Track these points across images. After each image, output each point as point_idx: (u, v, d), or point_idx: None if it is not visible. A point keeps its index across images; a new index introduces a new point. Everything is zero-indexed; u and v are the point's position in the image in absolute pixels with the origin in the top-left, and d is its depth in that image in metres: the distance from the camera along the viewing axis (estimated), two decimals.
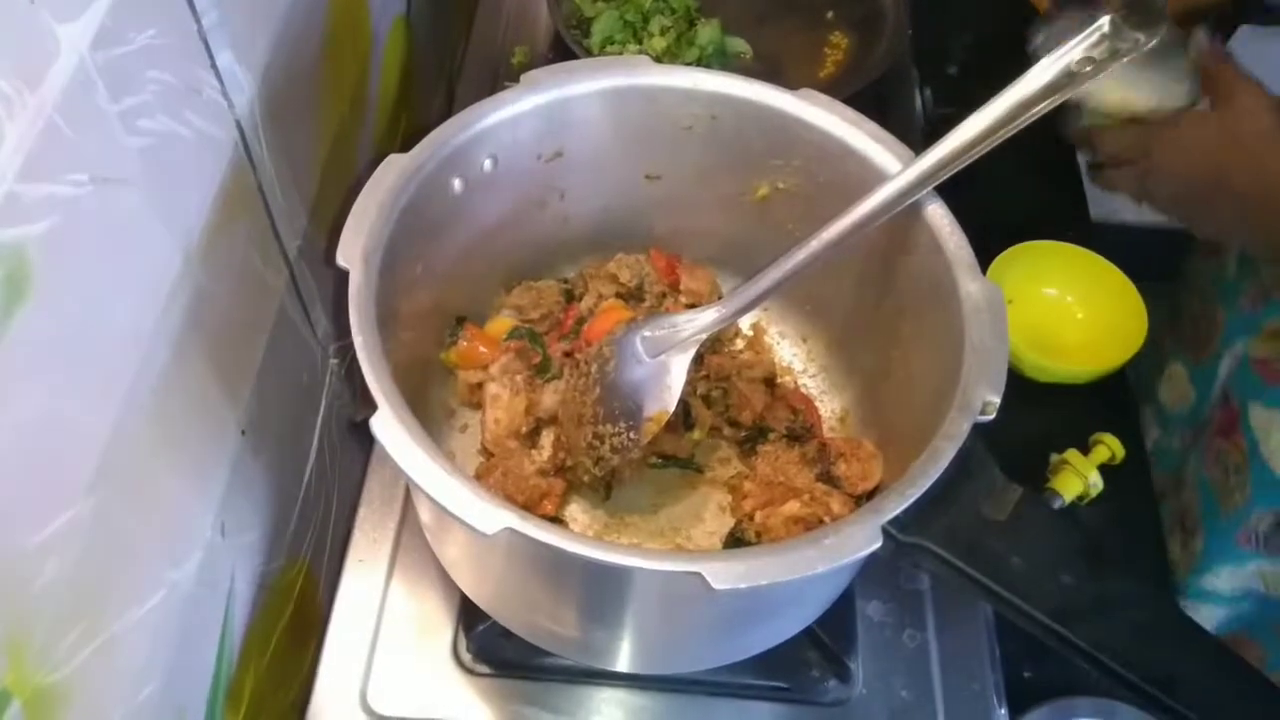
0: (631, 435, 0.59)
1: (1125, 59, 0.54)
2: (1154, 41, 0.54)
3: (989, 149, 0.55)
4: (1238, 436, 0.78)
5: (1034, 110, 0.54)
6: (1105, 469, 0.74)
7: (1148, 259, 0.97)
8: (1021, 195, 0.91)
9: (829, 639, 0.64)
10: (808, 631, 0.61)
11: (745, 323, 0.73)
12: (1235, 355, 0.81)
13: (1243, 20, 0.90)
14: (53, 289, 0.38)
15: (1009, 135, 0.55)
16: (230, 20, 0.50)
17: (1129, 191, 0.71)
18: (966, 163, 0.55)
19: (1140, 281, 0.83)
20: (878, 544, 0.46)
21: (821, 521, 0.59)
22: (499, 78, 0.94)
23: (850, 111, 0.62)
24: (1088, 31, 0.55)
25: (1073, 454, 0.74)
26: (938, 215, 0.57)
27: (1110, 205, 1.59)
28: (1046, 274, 0.85)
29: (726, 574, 0.44)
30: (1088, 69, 0.54)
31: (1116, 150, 0.70)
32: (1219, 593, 0.81)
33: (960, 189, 0.57)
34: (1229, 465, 0.79)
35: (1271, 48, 1.22)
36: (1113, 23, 0.55)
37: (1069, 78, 0.55)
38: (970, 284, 0.55)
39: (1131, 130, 0.68)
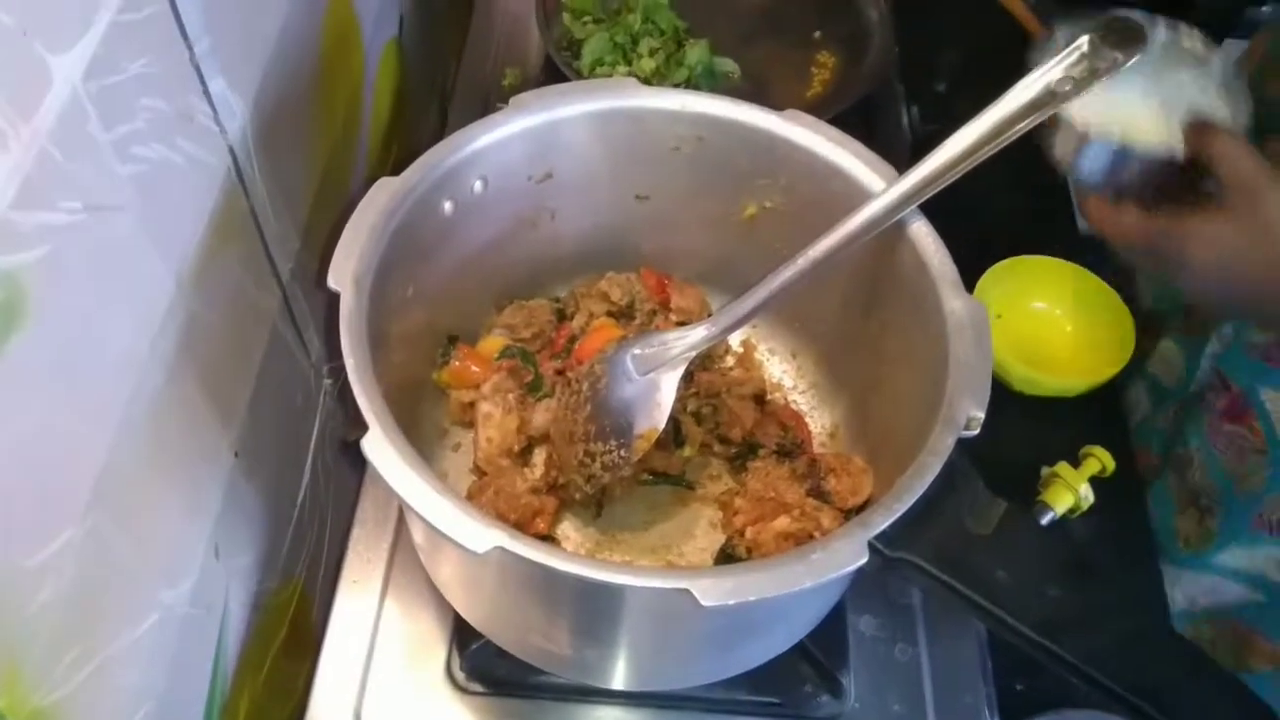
0: (622, 453, 0.60)
1: (1104, 78, 0.55)
2: (1132, 60, 0.55)
3: (972, 167, 0.56)
4: (1252, 420, 0.78)
5: (1016, 128, 0.55)
6: (1095, 481, 0.74)
7: (1136, 272, 0.98)
8: (1009, 210, 0.91)
9: (821, 654, 0.64)
10: (800, 647, 0.61)
11: (735, 340, 0.73)
12: (1224, 337, 0.81)
13: (1226, 34, 0.91)
14: (48, 315, 0.38)
15: (992, 153, 0.56)
16: (222, 47, 0.50)
17: (1147, 271, 0.65)
18: (949, 180, 0.56)
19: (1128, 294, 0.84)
20: (864, 559, 0.46)
21: (812, 537, 0.59)
22: (491, 100, 0.95)
23: (835, 131, 0.62)
24: (1067, 50, 0.56)
25: (1063, 467, 0.74)
26: (921, 233, 0.58)
27: None
28: (1035, 288, 0.85)
29: (715, 590, 0.44)
30: (1068, 88, 0.55)
31: (1136, 239, 0.62)
32: (1230, 569, 0.82)
33: (948, 204, 0.58)
34: (1245, 448, 0.79)
35: None
36: (1091, 42, 0.56)
37: (1050, 96, 0.55)
38: (954, 300, 0.56)
39: (1159, 221, 0.61)
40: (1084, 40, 0.56)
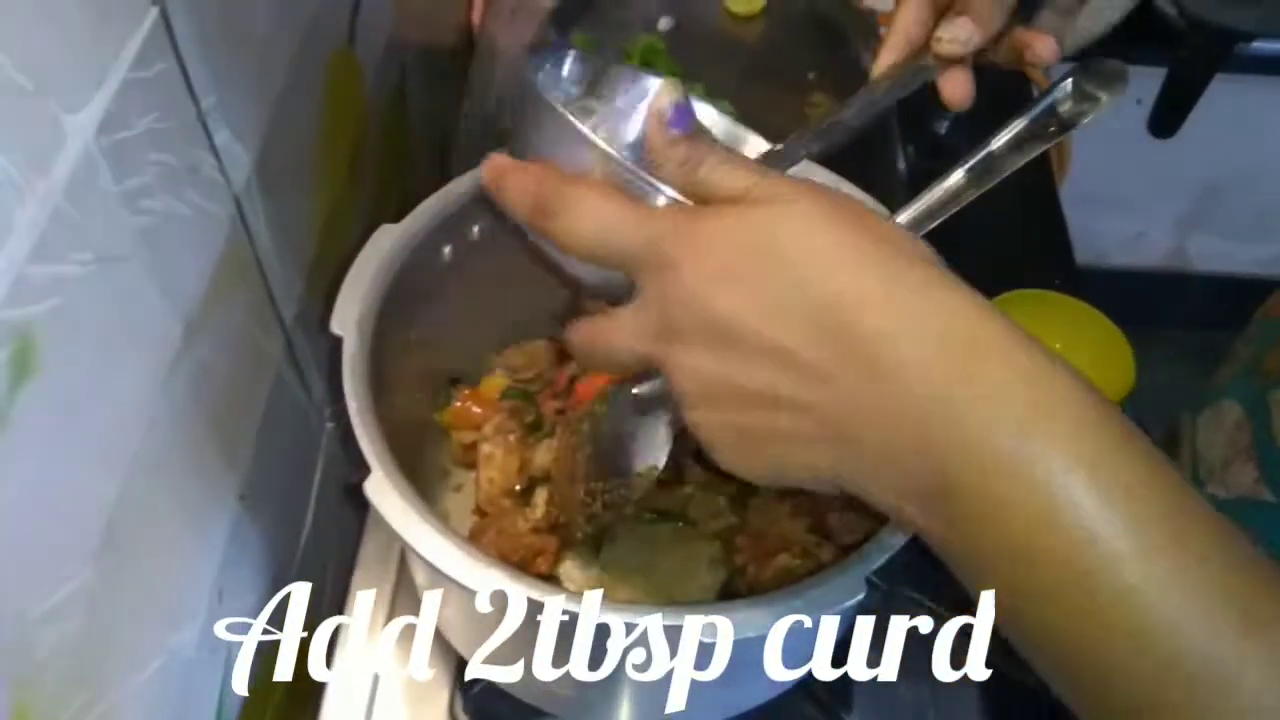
0: (623, 491, 0.60)
1: (1089, 118, 0.56)
2: (1116, 100, 0.56)
3: (964, 205, 0.57)
4: None
5: (1006, 167, 0.56)
6: None
7: (1134, 304, 0.99)
8: (1006, 244, 0.92)
9: (824, 693, 0.64)
10: (804, 684, 0.61)
11: None
12: None
13: (1215, 70, 0.92)
14: (59, 365, 0.39)
15: (982, 191, 0.56)
16: (228, 101, 0.52)
17: None
18: (943, 218, 0.57)
19: (1126, 326, 0.85)
20: (862, 594, 0.47)
21: (813, 573, 0.59)
22: (491, 145, 0.96)
23: (826, 173, 0.64)
24: (1052, 90, 0.57)
25: None
26: None
27: (1097, 250, 1.61)
28: (1033, 322, 0.83)
29: (715, 626, 0.45)
30: (1053, 128, 0.56)
31: None
32: None
33: (945, 241, 0.58)
34: None
35: (1251, 99, 1.24)
36: (1075, 82, 0.57)
37: (1038, 134, 0.57)
38: None
39: None
40: (1068, 82, 0.57)
